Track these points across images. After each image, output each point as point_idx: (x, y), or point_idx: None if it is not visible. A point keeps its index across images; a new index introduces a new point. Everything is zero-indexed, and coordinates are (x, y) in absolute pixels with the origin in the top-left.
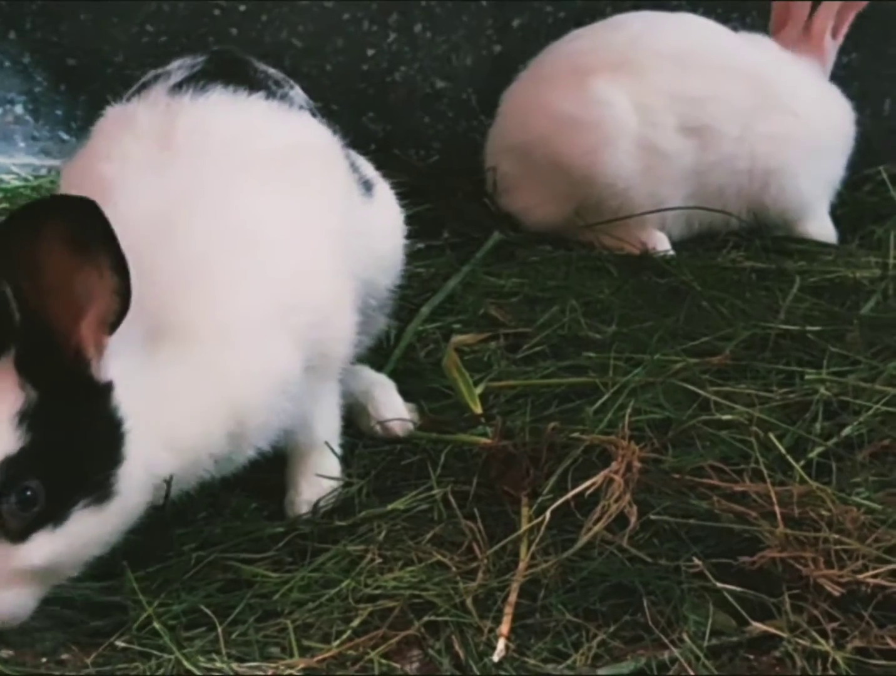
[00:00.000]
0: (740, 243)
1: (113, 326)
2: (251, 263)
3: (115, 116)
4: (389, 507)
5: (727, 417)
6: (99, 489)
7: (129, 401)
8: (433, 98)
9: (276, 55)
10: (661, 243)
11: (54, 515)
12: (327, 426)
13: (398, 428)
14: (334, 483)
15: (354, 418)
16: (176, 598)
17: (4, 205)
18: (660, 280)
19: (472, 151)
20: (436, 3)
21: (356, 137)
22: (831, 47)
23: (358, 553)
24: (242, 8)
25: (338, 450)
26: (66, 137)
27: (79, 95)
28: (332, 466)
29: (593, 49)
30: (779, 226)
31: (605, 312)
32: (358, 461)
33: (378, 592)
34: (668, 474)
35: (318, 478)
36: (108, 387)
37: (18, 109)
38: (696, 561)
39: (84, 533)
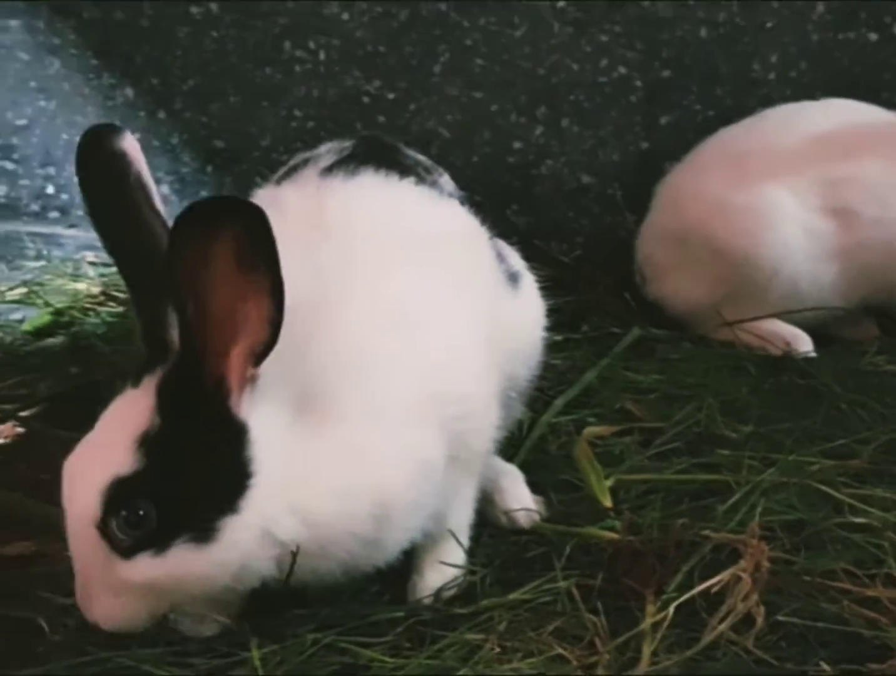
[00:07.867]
0: (885, 348)
1: (258, 358)
2: (404, 348)
3: (264, 198)
4: (511, 597)
5: (860, 520)
6: (203, 529)
7: (264, 457)
8: (579, 193)
9: (423, 144)
10: (804, 345)
11: (158, 541)
12: (460, 517)
13: (524, 519)
14: (458, 571)
15: (480, 506)
16: None
17: None
18: (799, 381)
19: (616, 247)
20: (584, 97)
21: (499, 229)
22: None
23: (477, 642)
24: (391, 96)
25: (466, 542)
26: None
27: (225, 177)
28: (458, 554)
29: (744, 135)
30: None
31: (743, 411)
32: (482, 551)
33: None
34: (798, 575)
35: (442, 565)
36: (242, 428)
37: (165, 188)
38: (824, 666)
39: (182, 568)
